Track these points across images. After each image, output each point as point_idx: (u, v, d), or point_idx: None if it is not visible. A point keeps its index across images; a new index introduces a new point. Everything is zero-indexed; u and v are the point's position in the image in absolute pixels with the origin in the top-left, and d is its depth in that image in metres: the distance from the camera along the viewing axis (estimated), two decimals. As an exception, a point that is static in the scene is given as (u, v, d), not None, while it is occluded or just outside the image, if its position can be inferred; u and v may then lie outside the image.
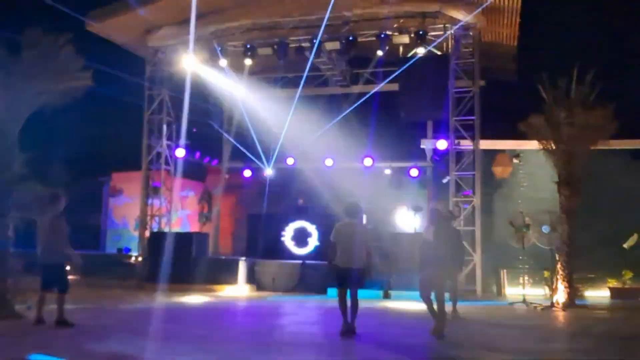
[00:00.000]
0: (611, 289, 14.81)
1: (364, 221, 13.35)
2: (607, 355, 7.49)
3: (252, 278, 15.18)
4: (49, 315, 8.80)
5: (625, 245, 14.95)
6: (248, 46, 15.77)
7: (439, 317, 8.40)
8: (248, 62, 15.96)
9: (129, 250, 18.52)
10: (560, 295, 12.83)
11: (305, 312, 11.62)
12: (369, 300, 12.25)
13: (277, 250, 16.64)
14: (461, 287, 14.16)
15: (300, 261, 15.66)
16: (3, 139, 10.28)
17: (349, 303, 8.44)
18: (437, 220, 9.22)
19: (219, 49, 15.57)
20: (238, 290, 14.61)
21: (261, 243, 16.43)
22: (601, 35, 17.13)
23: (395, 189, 17.31)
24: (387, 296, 13.83)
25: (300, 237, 16.76)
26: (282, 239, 16.93)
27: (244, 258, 15.73)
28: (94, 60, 13.04)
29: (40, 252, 8.99)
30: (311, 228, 16.83)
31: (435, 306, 8.44)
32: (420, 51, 14.66)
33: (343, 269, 8.44)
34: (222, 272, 15.06)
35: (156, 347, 7.59)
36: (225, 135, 18.99)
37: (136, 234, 17.13)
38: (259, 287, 15.06)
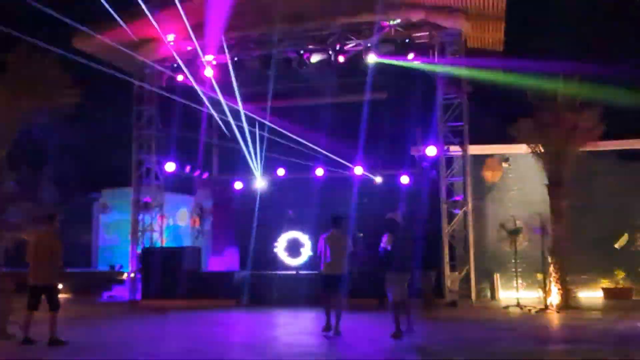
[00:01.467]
0: (604, 290, 14.88)
1: (356, 231, 13.36)
2: (602, 356, 7.51)
3: (246, 290, 15.11)
4: (41, 335, 8.73)
5: (616, 245, 15.07)
6: (235, 59, 15.78)
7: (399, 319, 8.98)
8: (234, 74, 15.95)
9: (121, 267, 18.41)
10: (554, 298, 12.88)
11: (301, 323, 11.58)
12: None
13: (270, 262, 16.60)
14: (456, 290, 14.24)
15: (294, 272, 15.62)
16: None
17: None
18: (393, 229, 9.41)
19: (206, 62, 15.56)
20: (232, 303, 14.53)
21: (254, 255, 16.39)
22: (587, 38, 17.29)
23: (386, 197, 17.31)
24: (381, 304, 13.80)
25: (293, 248, 16.74)
26: (275, 250, 16.90)
27: (237, 271, 15.68)
28: (82, 76, 13.04)
29: (32, 271, 8.92)
30: (304, 238, 16.82)
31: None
32: (409, 58, 14.68)
33: (327, 276, 9.35)
34: (216, 286, 14.99)
35: (152, 363, 7.55)
36: (215, 148, 18.95)
37: (128, 250, 17.02)
38: (253, 299, 14.99)
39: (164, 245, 17.09)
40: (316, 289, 10.27)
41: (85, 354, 8.12)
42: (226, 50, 15.61)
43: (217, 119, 17.70)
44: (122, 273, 17.91)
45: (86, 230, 20.62)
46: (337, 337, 9.16)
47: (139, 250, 16.25)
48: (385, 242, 9.32)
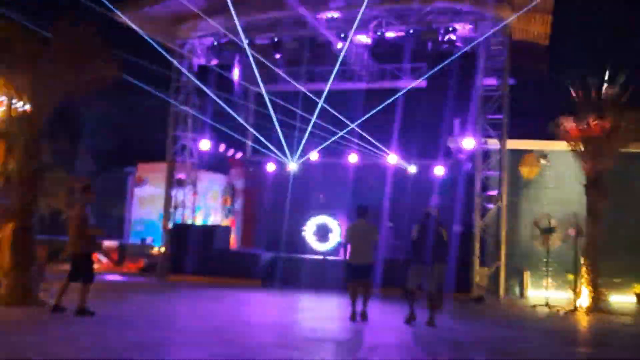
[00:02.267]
0: (637, 295, 14.53)
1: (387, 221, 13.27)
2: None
3: (272, 272, 15.19)
4: (70, 304, 8.90)
5: (653, 250, 14.66)
6: (275, 40, 15.72)
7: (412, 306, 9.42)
8: (275, 55, 15.91)
9: (153, 241, 18.67)
10: (584, 299, 12.62)
11: (325, 308, 11.58)
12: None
13: (299, 245, 16.64)
14: (484, 286, 14.07)
15: (321, 257, 15.63)
16: (32, 128, 10.39)
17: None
18: (422, 220, 9.56)
19: (247, 41, 15.55)
20: (258, 284, 14.63)
21: (283, 237, 16.45)
22: (634, 35, 16.75)
23: (419, 187, 17.15)
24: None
25: (322, 233, 16.75)
26: (303, 233, 16.92)
27: (264, 252, 15.76)
28: (123, 50, 13.13)
29: (70, 241, 9.11)
30: (333, 224, 16.79)
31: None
32: (450, 47, 14.43)
33: (354, 265, 9.46)
34: (243, 266, 15.11)
35: (174, 338, 7.63)
36: (250, 128, 19.00)
37: (160, 225, 17.25)
38: (279, 281, 15.06)
39: (195, 222, 17.26)
40: (343, 278, 10.30)
41: (108, 326, 8.25)
42: (267, 30, 15.57)
43: (253, 99, 17.73)
44: (153, 247, 18.16)
45: (120, 202, 20.93)
46: (364, 322, 9.36)
47: (170, 226, 16.44)
48: (413, 231, 9.50)
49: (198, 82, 16.07)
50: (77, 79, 12.78)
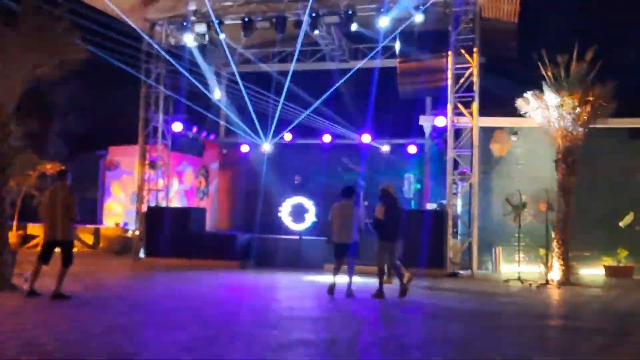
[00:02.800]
0: (606, 267, 14.90)
1: (361, 200, 13.38)
2: (598, 332, 7.55)
3: (249, 253, 15.23)
4: (46, 288, 8.85)
5: (621, 224, 15.01)
6: (246, 19, 15.58)
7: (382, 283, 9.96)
8: (246, 35, 15.78)
9: (126, 224, 18.55)
10: (556, 273, 12.92)
11: (302, 287, 11.67)
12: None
13: (274, 226, 16.69)
14: (457, 262, 14.31)
15: (297, 237, 15.71)
16: (0, 111, 10.21)
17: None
18: (385, 199, 10.00)
19: (217, 22, 15.39)
20: (235, 266, 14.66)
21: (258, 218, 16.48)
22: (602, 13, 16.99)
23: (393, 166, 17.30)
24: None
25: (298, 213, 16.80)
26: (279, 214, 16.97)
27: (241, 233, 15.77)
28: (92, 32, 12.92)
29: (47, 226, 9.03)
30: (308, 204, 16.85)
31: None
32: (419, 19, 14.40)
33: (338, 244, 9.93)
34: (219, 247, 15.11)
35: (152, 319, 7.65)
36: (223, 109, 18.89)
37: (133, 208, 17.13)
38: (256, 262, 15.12)
39: (169, 204, 17.18)
40: (322, 254, 11.07)
41: (84, 309, 8.23)
42: (238, 10, 15.43)
43: (225, 80, 17.60)
44: (127, 230, 18.06)
45: (93, 186, 20.71)
46: (349, 297, 9.76)
47: (144, 209, 16.34)
48: (377, 212, 9.92)
49: (172, 61, 15.86)
50: (45, 61, 12.56)
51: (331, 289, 9.98)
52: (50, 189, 9.29)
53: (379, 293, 9.86)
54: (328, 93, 15.93)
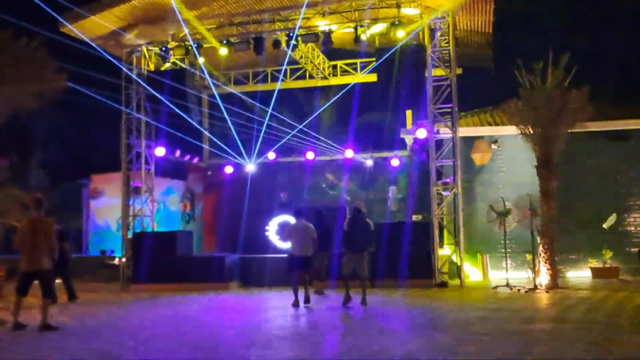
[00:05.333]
0: (592, 269, 15.04)
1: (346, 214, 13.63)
2: (590, 333, 7.62)
3: (237, 274, 15.17)
4: (33, 320, 8.75)
5: (604, 226, 15.20)
6: (224, 42, 15.68)
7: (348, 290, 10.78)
8: (224, 55, 15.85)
9: (113, 252, 18.42)
10: (543, 278, 13.02)
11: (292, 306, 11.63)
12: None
13: (262, 245, 16.65)
14: (446, 271, 14.37)
15: (285, 255, 15.66)
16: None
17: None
18: (353, 213, 11.13)
19: (195, 45, 15.48)
20: (224, 287, 14.59)
21: (246, 239, 16.44)
22: (575, 20, 17.31)
23: (376, 179, 17.40)
24: (373, 285, 13.92)
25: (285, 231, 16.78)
26: (267, 233, 16.94)
27: (229, 254, 15.72)
28: (70, 61, 12.94)
29: (24, 257, 8.89)
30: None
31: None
32: (398, 39, 14.61)
33: (296, 256, 10.98)
34: (208, 270, 15.03)
35: (142, 346, 7.59)
36: (205, 132, 18.92)
37: (119, 235, 17.03)
38: (245, 282, 15.06)
39: (155, 229, 17.09)
40: (287, 268, 11.54)
41: (74, 339, 8.14)
42: (215, 34, 15.53)
43: (206, 102, 17.67)
44: (114, 258, 17.92)
45: (77, 216, 20.57)
46: (306, 305, 10.82)
47: (130, 235, 16.25)
48: (345, 224, 11.01)
49: (150, 87, 15.88)
50: (23, 92, 12.54)
51: (296, 302, 10.82)
52: (28, 219, 9.07)
53: (347, 298, 10.71)
54: (316, 113, 16.07)
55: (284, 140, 16.51)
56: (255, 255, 15.79)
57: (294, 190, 17.51)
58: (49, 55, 12.81)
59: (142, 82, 16.26)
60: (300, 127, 16.40)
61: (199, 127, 17.81)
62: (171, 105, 15.75)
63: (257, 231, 16.89)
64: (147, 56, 16.75)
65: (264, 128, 16.25)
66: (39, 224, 8.88)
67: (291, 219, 16.80)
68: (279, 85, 16.45)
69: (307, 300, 10.98)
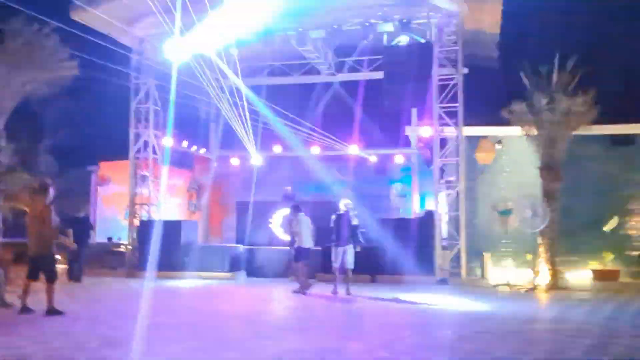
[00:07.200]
0: (593, 271, 15.13)
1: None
2: (589, 334, 7.75)
3: (242, 265, 15.36)
4: (41, 304, 8.94)
5: (605, 228, 15.28)
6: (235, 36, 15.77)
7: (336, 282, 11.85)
8: (234, 50, 15.97)
9: (119, 239, 18.61)
10: (543, 278, 13.14)
11: (296, 297, 11.81)
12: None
13: (266, 237, 16.82)
14: (447, 268, 14.53)
15: (288, 247, 15.83)
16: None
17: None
18: (338, 210, 12.06)
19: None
20: (228, 277, 14.79)
21: (250, 230, 16.60)
22: (582, 23, 17.32)
23: (380, 175, 17.52)
24: (373, 280, 14.11)
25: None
26: (270, 225, 17.10)
27: (233, 245, 15.89)
28: (81, 49, 13.07)
29: (30, 242, 9.06)
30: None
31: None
32: (404, 39, 14.74)
33: (303, 248, 12.14)
34: (212, 260, 15.22)
35: (148, 333, 7.76)
36: (213, 123, 19.05)
37: (126, 222, 17.22)
38: (249, 273, 15.25)
39: (161, 218, 17.26)
40: (294, 259, 12.56)
41: (80, 324, 8.33)
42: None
43: (215, 94, 17.77)
44: (120, 245, 18.12)
45: (84, 202, 20.75)
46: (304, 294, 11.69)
47: (136, 223, 16.44)
48: (331, 221, 11.94)
49: (160, 77, 15.99)
50: (34, 79, 12.69)
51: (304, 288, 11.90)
52: (34, 204, 9.17)
53: (335, 291, 11.70)
54: (322, 109, 16.13)
55: (282, 132, 16.60)
56: (260, 246, 15.97)
57: (298, 184, 17.65)
58: (60, 42, 12.94)
59: (151, 71, 16.38)
60: (307, 120, 16.48)
61: (206, 117, 17.95)
62: (180, 96, 15.85)
63: (261, 223, 17.05)
64: (158, 45, 16.85)
65: (270, 121, 16.37)
66: (39, 208, 9.02)
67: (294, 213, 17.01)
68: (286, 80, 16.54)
69: (301, 289, 11.94)
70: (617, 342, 7.31)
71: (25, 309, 8.89)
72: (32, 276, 8.97)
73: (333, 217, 12.00)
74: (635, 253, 15.37)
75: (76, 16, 15.03)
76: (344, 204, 12.09)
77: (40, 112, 19.91)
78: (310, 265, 12.60)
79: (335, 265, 11.86)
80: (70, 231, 11.85)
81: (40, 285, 9.14)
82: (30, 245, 9.02)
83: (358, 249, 12.09)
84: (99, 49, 14.26)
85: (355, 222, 12.18)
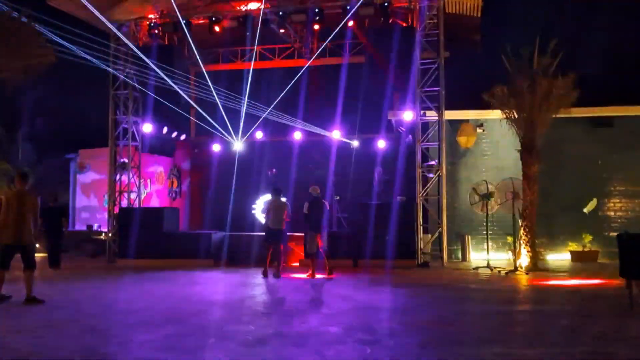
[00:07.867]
0: (572, 252, 15.33)
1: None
2: (566, 315, 7.85)
3: (224, 251, 15.31)
4: (18, 293, 8.85)
5: (585, 210, 15.47)
6: (214, 19, 15.65)
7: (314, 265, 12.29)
8: (214, 34, 15.83)
9: (99, 227, 18.48)
10: (523, 260, 13.28)
11: (277, 284, 11.81)
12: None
13: (248, 224, 16.79)
14: (428, 252, 14.63)
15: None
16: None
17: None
18: (311, 198, 12.38)
19: (184, 22, 15.42)
20: (209, 264, 14.74)
21: (232, 216, 16.54)
22: (563, 6, 17.39)
23: (362, 160, 17.50)
24: (356, 265, 14.15)
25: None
26: (253, 212, 17.07)
27: (215, 232, 15.84)
28: (58, 35, 12.85)
29: (5, 231, 8.90)
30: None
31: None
32: (386, 21, 14.67)
33: (272, 228, 12.31)
34: (194, 247, 15.16)
35: (127, 320, 7.72)
36: (195, 108, 18.88)
37: (105, 210, 17.09)
38: (231, 260, 15.20)
39: (142, 206, 17.16)
40: (263, 239, 12.94)
41: (59, 312, 8.26)
42: (205, 10, 15.46)
43: (194, 80, 17.62)
44: (100, 233, 18.00)
45: (63, 190, 20.56)
46: (277, 279, 11.90)
47: (116, 211, 16.31)
48: (304, 208, 12.26)
49: (139, 62, 15.81)
50: (11, 66, 12.47)
51: (265, 272, 12.23)
52: (13, 192, 9.06)
53: (312, 274, 12.08)
54: (303, 94, 16.08)
55: (264, 118, 16.50)
56: (242, 233, 15.94)
57: (281, 170, 17.60)
58: (36, 28, 12.72)
59: (130, 57, 16.18)
60: (289, 105, 16.39)
61: (186, 103, 17.77)
62: (159, 82, 15.71)
63: (244, 209, 17.01)
64: (136, 32, 16.66)
65: (250, 107, 16.27)
66: (24, 197, 8.92)
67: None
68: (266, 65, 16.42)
69: (275, 274, 12.16)
70: (593, 322, 7.41)
71: (2, 298, 8.78)
72: (4, 265, 8.80)
73: (307, 203, 12.30)
74: (613, 234, 15.57)
75: (53, 2, 14.79)
76: (313, 191, 12.47)
77: (17, 99, 19.65)
78: (278, 249, 12.43)
79: (311, 251, 12.21)
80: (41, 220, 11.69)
81: (17, 274, 9.04)
82: (7, 233, 8.80)
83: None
84: (77, 35, 14.05)
85: (327, 206, 12.69)
